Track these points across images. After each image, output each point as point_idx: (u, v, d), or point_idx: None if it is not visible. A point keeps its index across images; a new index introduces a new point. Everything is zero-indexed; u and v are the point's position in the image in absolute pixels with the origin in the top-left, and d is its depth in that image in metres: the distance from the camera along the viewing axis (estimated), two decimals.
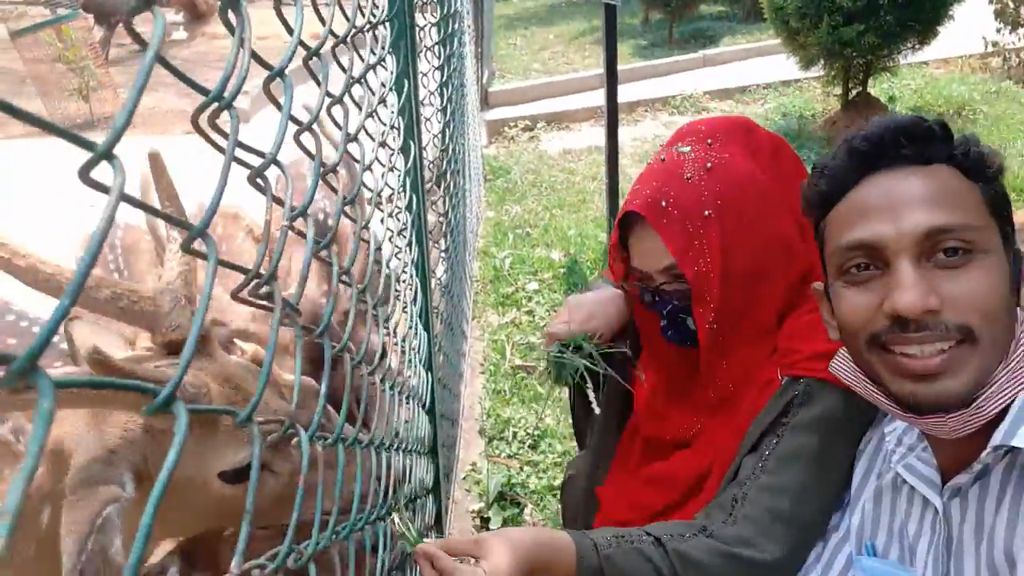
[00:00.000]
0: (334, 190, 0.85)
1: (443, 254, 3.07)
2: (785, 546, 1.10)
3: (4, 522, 0.30)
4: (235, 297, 0.62)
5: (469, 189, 4.30)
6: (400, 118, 1.42)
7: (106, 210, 0.37)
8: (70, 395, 0.67)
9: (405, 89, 1.43)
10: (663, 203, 1.17)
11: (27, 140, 6.32)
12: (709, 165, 1.19)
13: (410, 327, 1.59)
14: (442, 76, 2.82)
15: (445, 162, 3.06)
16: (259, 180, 0.61)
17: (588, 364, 1.38)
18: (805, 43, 5.52)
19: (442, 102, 2.65)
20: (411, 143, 1.48)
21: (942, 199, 0.81)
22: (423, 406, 1.78)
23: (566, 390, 1.86)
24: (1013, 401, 0.79)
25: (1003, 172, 0.86)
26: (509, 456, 2.67)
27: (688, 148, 1.23)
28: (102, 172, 0.39)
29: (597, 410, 1.43)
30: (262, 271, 0.61)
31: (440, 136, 2.71)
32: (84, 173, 0.38)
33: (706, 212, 1.16)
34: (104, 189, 0.38)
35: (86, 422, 0.80)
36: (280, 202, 0.64)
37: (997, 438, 0.79)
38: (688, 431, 1.33)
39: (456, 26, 3.08)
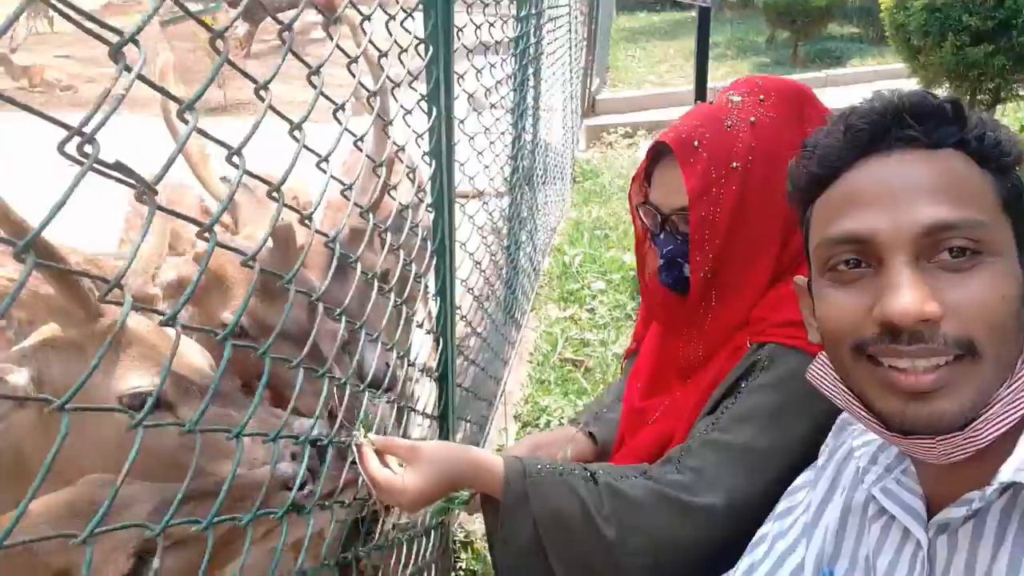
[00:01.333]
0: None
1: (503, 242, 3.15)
2: (725, 496, 1.08)
3: None
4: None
5: (546, 189, 4.36)
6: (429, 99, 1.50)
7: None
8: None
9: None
10: (695, 143, 1.17)
11: None
12: (753, 120, 1.19)
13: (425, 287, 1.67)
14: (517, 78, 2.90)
15: (515, 161, 3.14)
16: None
17: None
18: (927, 63, 5.20)
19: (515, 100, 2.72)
20: (434, 107, 1.54)
21: (949, 190, 0.70)
22: (432, 373, 1.85)
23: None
24: (1012, 426, 0.69)
25: (1021, 163, 0.74)
26: (569, 421, 2.69)
27: (739, 98, 1.22)
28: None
29: None
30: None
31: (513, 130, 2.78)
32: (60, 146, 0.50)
33: (734, 163, 1.16)
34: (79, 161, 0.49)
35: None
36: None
37: (1006, 474, 0.67)
38: (660, 406, 1.34)
39: (533, 34, 3.13)
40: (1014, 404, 0.69)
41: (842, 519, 0.91)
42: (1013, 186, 0.73)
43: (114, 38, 0.59)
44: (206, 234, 0.74)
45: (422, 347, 2.07)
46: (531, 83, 3.45)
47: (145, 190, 0.66)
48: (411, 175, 1.52)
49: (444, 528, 2.05)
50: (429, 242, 1.66)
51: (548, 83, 4.36)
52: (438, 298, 1.79)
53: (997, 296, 0.68)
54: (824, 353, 0.82)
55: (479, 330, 2.64)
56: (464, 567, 2.12)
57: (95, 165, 0.59)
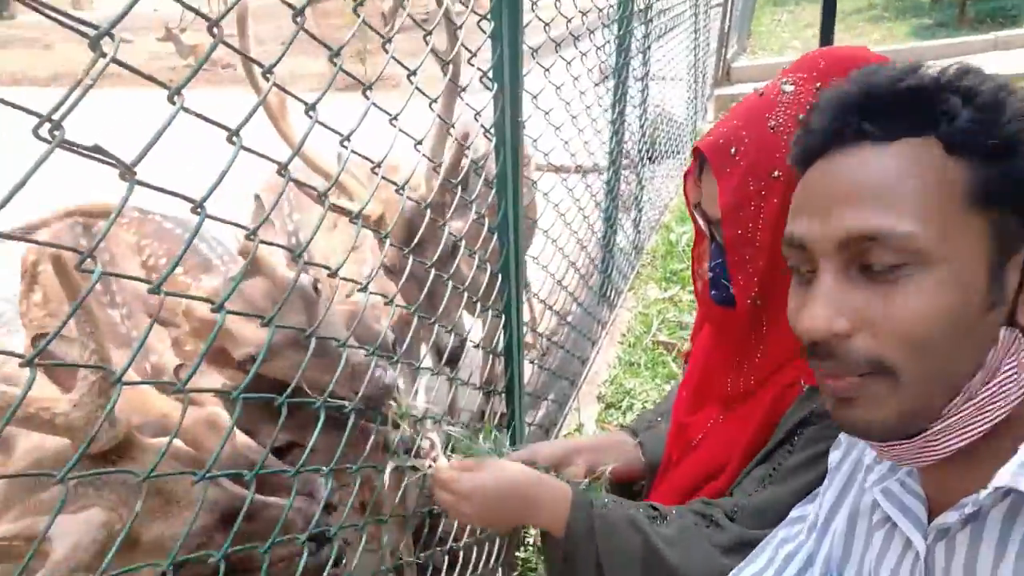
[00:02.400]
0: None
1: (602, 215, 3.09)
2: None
3: None
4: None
5: (658, 163, 4.21)
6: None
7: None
8: None
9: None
10: (732, 149, 1.05)
11: None
12: (802, 117, 1.07)
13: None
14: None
15: (615, 135, 3.06)
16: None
17: None
18: None
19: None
20: (497, 82, 1.53)
21: (880, 194, 0.64)
22: (491, 347, 1.86)
23: None
24: (978, 436, 0.65)
25: None
26: (620, 426, 2.64)
27: (792, 87, 1.05)
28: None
29: None
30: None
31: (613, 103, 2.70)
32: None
33: (776, 173, 1.03)
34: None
35: None
36: None
37: (1002, 478, 0.63)
38: (704, 427, 1.27)
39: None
40: (977, 419, 0.65)
41: (850, 522, 0.88)
42: (1004, 173, 0.63)
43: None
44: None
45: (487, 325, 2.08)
46: (637, 53, 3.32)
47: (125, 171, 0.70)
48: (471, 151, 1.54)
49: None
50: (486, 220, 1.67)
51: (665, 52, 4.19)
52: (500, 275, 1.79)
53: (921, 312, 0.62)
54: None
55: (558, 309, 2.62)
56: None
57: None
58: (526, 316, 3.01)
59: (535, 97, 1.78)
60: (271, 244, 0.95)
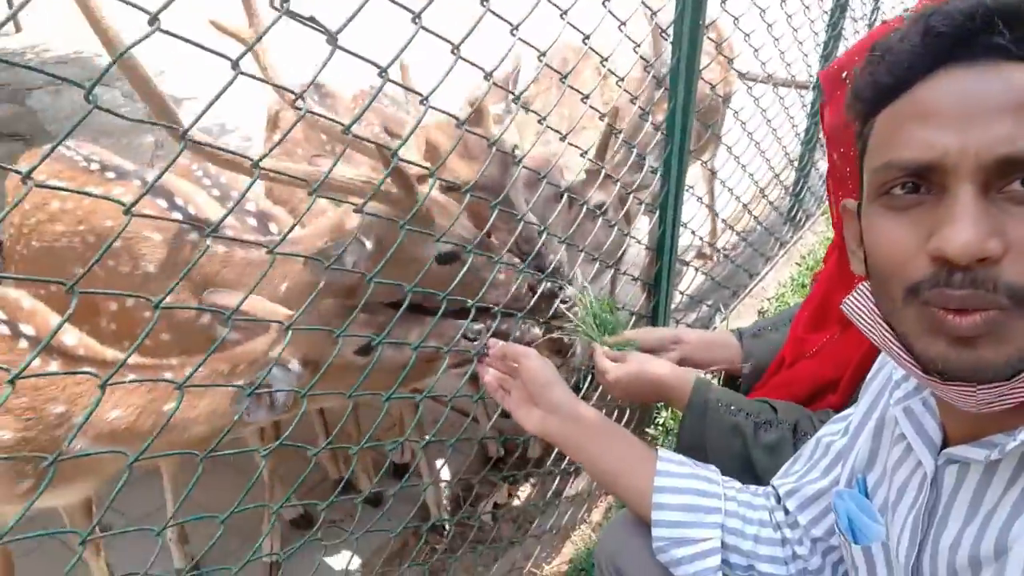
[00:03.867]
0: None
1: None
2: None
3: None
4: None
5: None
6: None
7: None
8: None
9: None
10: (843, 74, 1.13)
11: None
12: (908, 19, 1.12)
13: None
14: None
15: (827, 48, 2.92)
16: None
17: None
18: None
19: None
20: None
21: None
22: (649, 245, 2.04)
23: None
24: None
25: None
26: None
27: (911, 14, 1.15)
28: None
29: None
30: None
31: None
32: None
33: None
34: None
35: None
36: None
37: None
38: (820, 342, 1.38)
39: None
40: None
41: (877, 430, 0.94)
42: None
43: None
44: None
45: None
46: None
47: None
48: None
49: None
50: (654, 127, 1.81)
51: None
52: (661, 175, 1.94)
53: None
54: (867, 284, 0.77)
55: (740, 229, 2.66)
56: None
57: None
58: (707, 230, 3.11)
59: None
60: None
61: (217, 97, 0.84)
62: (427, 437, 1.48)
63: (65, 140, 1.35)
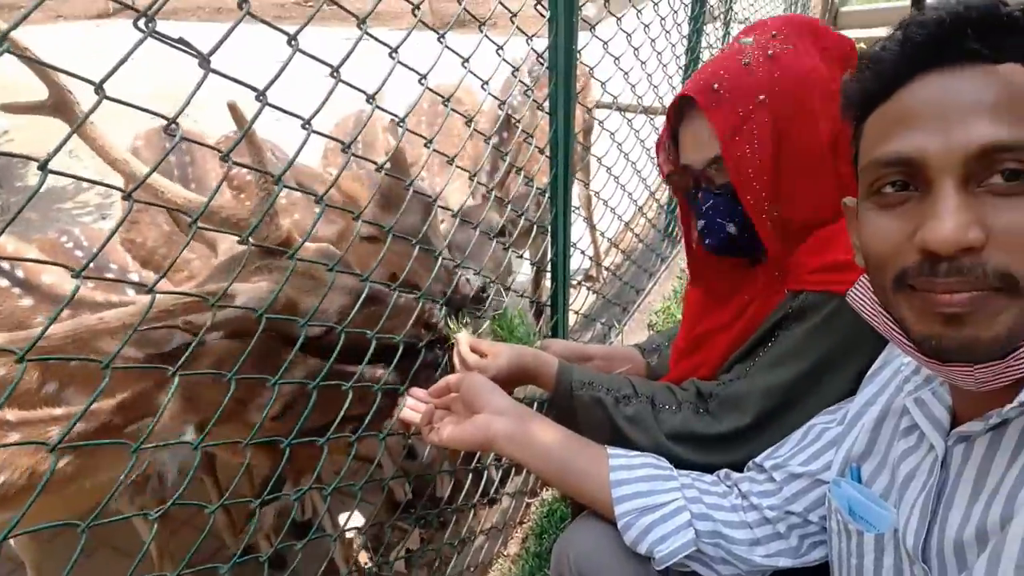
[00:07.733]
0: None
1: None
2: (752, 418, 1.15)
3: None
4: None
5: None
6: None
7: None
8: None
9: None
10: (715, 85, 1.17)
11: None
12: (770, 52, 1.17)
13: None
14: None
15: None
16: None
17: None
18: None
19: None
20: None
21: (1009, 107, 0.65)
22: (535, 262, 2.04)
23: None
24: None
25: None
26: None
27: (751, 39, 1.21)
28: None
29: None
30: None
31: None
32: None
33: (760, 96, 1.14)
34: None
35: None
36: None
37: None
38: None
39: None
40: None
41: (879, 419, 0.96)
42: None
43: None
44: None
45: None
46: None
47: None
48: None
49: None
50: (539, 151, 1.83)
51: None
52: (549, 199, 1.95)
53: None
54: (866, 276, 0.81)
55: (623, 247, 2.75)
56: None
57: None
58: (591, 252, 3.17)
59: (593, 27, 1.91)
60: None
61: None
62: (331, 485, 1.38)
63: None
